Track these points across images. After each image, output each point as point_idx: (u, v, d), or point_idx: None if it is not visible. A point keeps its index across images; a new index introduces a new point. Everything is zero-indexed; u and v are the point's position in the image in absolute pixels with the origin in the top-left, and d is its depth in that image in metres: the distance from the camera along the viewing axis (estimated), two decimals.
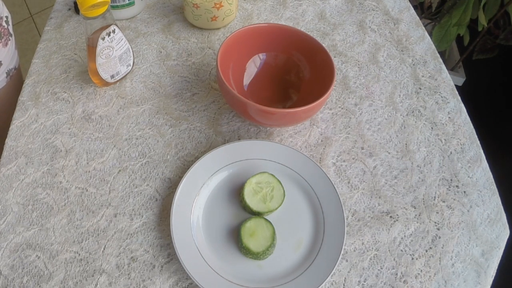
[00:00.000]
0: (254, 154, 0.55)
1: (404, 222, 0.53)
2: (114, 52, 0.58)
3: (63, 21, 0.72)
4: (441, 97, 0.65)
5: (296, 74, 0.63)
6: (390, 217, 0.53)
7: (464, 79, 1.49)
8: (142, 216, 0.52)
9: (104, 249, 0.49)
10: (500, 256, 0.51)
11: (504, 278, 0.61)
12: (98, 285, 0.47)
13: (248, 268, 0.48)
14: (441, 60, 0.69)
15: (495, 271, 0.50)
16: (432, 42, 0.72)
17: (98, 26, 0.54)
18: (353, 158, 0.58)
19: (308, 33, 0.62)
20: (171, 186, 0.54)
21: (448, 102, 0.64)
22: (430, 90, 0.65)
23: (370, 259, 0.50)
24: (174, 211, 0.49)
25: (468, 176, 0.57)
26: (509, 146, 1.26)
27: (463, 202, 0.55)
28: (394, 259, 0.50)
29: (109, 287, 0.47)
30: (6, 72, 0.74)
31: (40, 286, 0.46)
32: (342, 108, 0.63)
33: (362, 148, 0.59)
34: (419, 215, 0.53)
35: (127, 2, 0.69)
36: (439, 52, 0.71)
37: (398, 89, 0.65)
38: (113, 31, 0.56)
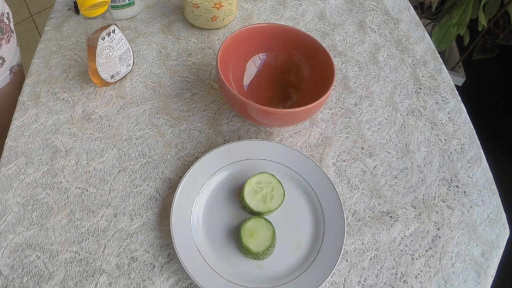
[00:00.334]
0: (254, 154, 0.55)
1: (404, 222, 0.53)
2: (114, 52, 0.58)
3: (63, 21, 0.72)
4: (441, 97, 0.65)
5: (296, 74, 0.63)
6: (390, 217, 0.53)
7: (464, 79, 1.49)
8: (142, 216, 0.52)
9: (104, 249, 0.49)
10: (500, 256, 0.51)
11: (504, 278, 0.61)
12: (98, 285, 0.47)
13: (248, 268, 0.48)
14: (441, 60, 0.69)
15: (495, 271, 0.50)
16: (432, 42, 0.72)
17: (98, 26, 0.54)
18: (353, 158, 0.58)
19: (308, 33, 0.62)
20: (171, 186, 0.54)
21: (448, 102, 0.64)
22: (430, 90, 0.65)
23: (370, 259, 0.50)
24: (174, 211, 0.49)
25: (468, 176, 0.57)
26: (509, 146, 1.26)
27: (463, 202, 0.55)
28: (394, 259, 0.50)
29: (109, 287, 0.47)
30: (9, 69, 0.75)
31: (40, 286, 0.46)
32: (342, 108, 0.63)
33: (362, 148, 0.59)
34: (419, 215, 0.53)
35: (127, 2, 0.69)
36: (439, 52, 0.71)
37: (398, 89, 0.65)
38: (113, 31, 0.56)
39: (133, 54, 0.63)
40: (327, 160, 0.57)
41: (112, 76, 0.61)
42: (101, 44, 0.55)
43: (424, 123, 0.62)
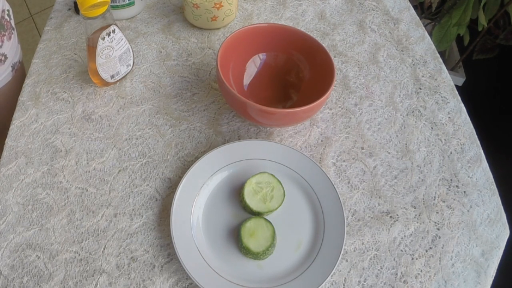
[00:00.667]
0: (254, 154, 0.55)
1: (404, 222, 0.53)
2: (114, 52, 0.58)
3: (63, 21, 0.72)
4: (441, 97, 0.65)
5: (296, 74, 0.63)
6: (390, 217, 0.53)
7: (464, 79, 1.49)
8: (142, 216, 0.52)
9: (104, 249, 0.49)
10: (500, 256, 0.51)
11: (504, 278, 0.61)
12: (98, 285, 0.47)
13: (248, 268, 0.48)
14: (441, 60, 0.69)
15: (495, 271, 0.50)
16: (432, 42, 0.72)
17: (98, 26, 0.54)
18: (353, 158, 0.58)
19: (308, 33, 0.62)
20: (171, 186, 0.54)
21: (448, 102, 0.64)
22: (430, 90, 0.65)
23: (370, 259, 0.50)
24: (174, 211, 0.49)
25: (468, 176, 0.57)
26: (509, 146, 1.26)
27: (463, 202, 0.55)
28: (394, 259, 0.50)
29: (109, 287, 0.47)
30: (12, 66, 0.75)
31: (40, 286, 0.46)
32: (342, 108, 0.63)
33: (362, 148, 0.59)
34: (419, 215, 0.53)
35: (127, 2, 0.69)
36: (439, 52, 0.71)
37: (398, 89, 0.65)
38: (113, 31, 0.56)
39: (133, 54, 0.63)
40: (327, 160, 0.57)
41: (112, 76, 0.61)
42: (101, 44, 0.55)
43: (424, 123, 0.62)
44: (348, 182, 0.56)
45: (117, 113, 0.61)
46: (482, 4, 1.23)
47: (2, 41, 0.70)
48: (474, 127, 0.62)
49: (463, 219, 0.53)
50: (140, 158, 0.56)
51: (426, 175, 0.57)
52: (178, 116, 0.61)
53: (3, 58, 0.71)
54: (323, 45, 0.59)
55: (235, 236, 0.50)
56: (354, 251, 0.50)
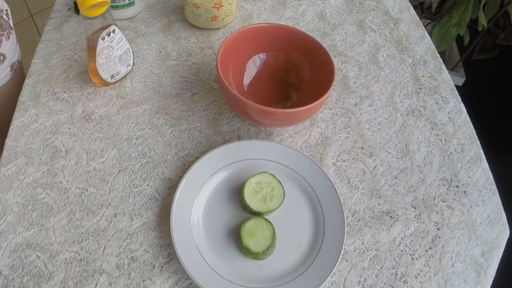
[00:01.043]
0: (254, 154, 0.55)
1: (404, 222, 0.53)
2: (114, 52, 0.58)
3: (63, 21, 0.72)
4: (441, 97, 0.65)
5: (296, 74, 0.63)
6: (390, 217, 0.53)
7: (464, 79, 1.49)
8: (142, 216, 0.52)
9: (104, 249, 0.49)
10: (500, 256, 0.51)
11: (504, 278, 0.61)
12: (98, 285, 0.47)
13: (248, 268, 0.48)
14: (441, 60, 0.69)
15: (495, 271, 0.50)
16: (432, 42, 0.72)
17: (98, 26, 0.54)
18: (353, 158, 0.58)
19: (308, 33, 0.62)
20: (171, 186, 0.54)
21: (448, 102, 0.64)
22: (430, 90, 0.65)
23: (370, 259, 0.50)
24: (174, 211, 0.49)
25: (468, 176, 0.57)
26: (509, 146, 1.26)
27: (463, 202, 0.55)
28: (394, 259, 0.50)
29: (109, 287, 0.47)
30: (10, 66, 0.75)
31: (40, 286, 0.46)
32: (342, 108, 0.63)
33: (362, 148, 0.59)
34: (419, 215, 0.53)
35: (127, 2, 0.69)
36: (439, 52, 0.71)
37: (398, 89, 0.65)
38: (113, 31, 0.56)
39: (133, 54, 0.63)
40: (327, 160, 0.57)
41: (112, 76, 0.61)
42: (101, 44, 0.55)
43: (424, 123, 0.62)
44: (348, 182, 0.56)
45: (117, 113, 0.61)
46: (482, 4, 1.23)
47: (1, 41, 0.70)
48: (474, 127, 0.62)
49: (463, 219, 0.53)
50: (140, 158, 0.56)
51: (426, 175, 0.57)
52: (178, 116, 0.61)
53: (1, 58, 0.71)
54: (323, 45, 0.59)
55: (235, 236, 0.50)
56: (354, 251, 0.50)
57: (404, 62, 0.69)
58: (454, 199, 0.55)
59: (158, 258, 0.49)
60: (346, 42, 0.71)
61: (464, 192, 0.55)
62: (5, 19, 0.71)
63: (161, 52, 0.68)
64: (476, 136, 0.61)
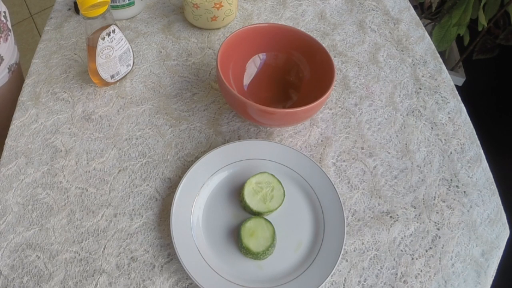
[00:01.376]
0: (254, 154, 0.55)
1: (404, 222, 0.53)
2: (114, 52, 0.58)
3: (63, 21, 0.72)
4: (441, 97, 0.65)
5: (296, 74, 0.63)
6: (390, 217, 0.53)
7: (464, 79, 1.49)
8: (142, 216, 0.52)
9: (104, 249, 0.49)
10: (500, 256, 0.51)
11: (504, 278, 0.61)
12: (98, 285, 0.47)
13: (248, 268, 0.48)
14: (441, 60, 0.69)
15: (495, 271, 0.50)
16: (432, 42, 0.72)
17: (98, 26, 0.54)
18: (353, 158, 0.58)
19: (308, 33, 0.62)
20: (171, 186, 0.54)
21: (448, 102, 0.64)
22: (430, 90, 0.65)
23: (370, 259, 0.50)
24: (174, 211, 0.49)
25: (468, 176, 0.57)
26: (509, 146, 1.26)
27: (463, 202, 0.55)
28: (394, 259, 0.50)
29: (109, 287, 0.47)
30: (8, 68, 0.75)
31: (40, 286, 0.46)
32: (342, 108, 0.63)
33: (362, 148, 0.59)
34: (419, 215, 0.53)
35: (127, 2, 0.69)
36: (439, 52, 0.71)
37: (398, 89, 0.65)
38: (113, 31, 0.56)
39: (133, 54, 0.63)
40: (327, 160, 0.57)
41: (112, 76, 0.61)
42: (101, 44, 0.55)
43: (424, 123, 0.62)
44: (348, 182, 0.56)
45: (117, 113, 0.61)
46: (482, 4, 1.23)
47: None
48: (474, 127, 0.62)
49: (463, 219, 0.53)
50: (140, 158, 0.56)
51: (426, 175, 0.57)
52: (178, 116, 0.61)
53: None
54: (323, 45, 0.59)
55: (235, 236, 0.50)
56: (354, 251, 0.50)
57: (404, 62, 0.69)
58: (454, 199, 0.55)
59: (158, 258, 0.49)
60: (346, 42, 0.71)
61: (464, 192, 0.55)
62: (3, 21, 0.71)
63: (161, 52, 0.68)
64: (476, 136, 0.61)
